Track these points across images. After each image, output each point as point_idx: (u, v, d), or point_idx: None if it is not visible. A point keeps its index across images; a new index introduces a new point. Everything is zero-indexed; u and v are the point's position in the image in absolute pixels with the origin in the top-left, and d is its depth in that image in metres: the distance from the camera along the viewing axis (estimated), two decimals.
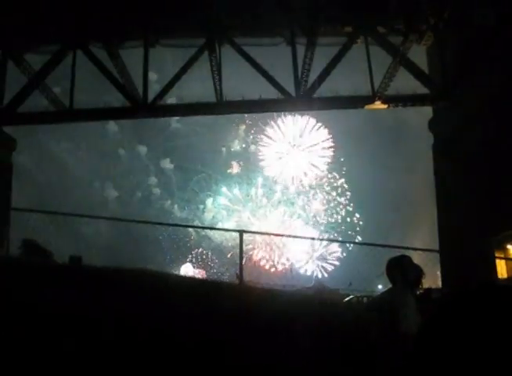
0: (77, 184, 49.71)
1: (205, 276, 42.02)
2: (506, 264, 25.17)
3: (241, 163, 54.66)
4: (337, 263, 50.71)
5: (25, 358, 5.40)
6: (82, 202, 42.20)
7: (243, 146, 55.55)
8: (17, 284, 6.49)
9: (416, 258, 6.05)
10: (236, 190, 53.36)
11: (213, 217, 53.19)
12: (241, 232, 6.96)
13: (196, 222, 52.38)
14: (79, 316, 5.97)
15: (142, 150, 56.54)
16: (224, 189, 53.33)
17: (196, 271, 48.14)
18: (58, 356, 5.46)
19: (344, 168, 54.66)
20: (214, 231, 51.90)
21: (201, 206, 54.37)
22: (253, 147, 54.42)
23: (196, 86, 34.00)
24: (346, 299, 17.32)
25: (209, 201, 54.06)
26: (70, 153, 51.59)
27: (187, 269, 48.67)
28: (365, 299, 16.06)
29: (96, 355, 5.60)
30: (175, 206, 55.34)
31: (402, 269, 4.68)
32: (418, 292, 4.81)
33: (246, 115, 48.36)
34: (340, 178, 54.77)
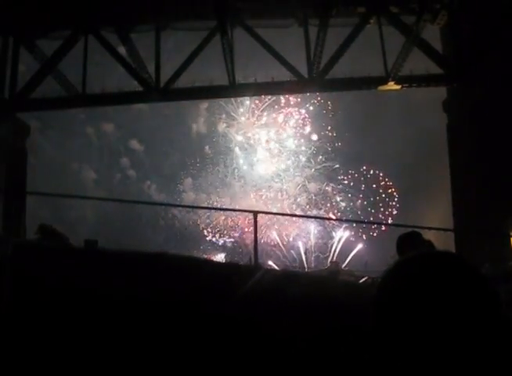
0: (52, 165, 47.60)
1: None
2: None
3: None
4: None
5: (42, 342, 5.49)
6: (61, 185, 40.80)
7: (213, 128, 53.46)
8: (37, 268, 6.59)
9: (432, 237, 6.07)
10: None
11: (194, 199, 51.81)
12: (255, 212, 6.95)
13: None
14: (99, 297, 6.06)
15: (109, 128, 53.56)
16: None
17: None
18: (73, 339, 5.55)
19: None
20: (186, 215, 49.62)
21: (180, 187, 53.03)
22: (220, 128, 52.42)
23: (209, 70, 33.79)
24: (361, 281, 17.45)
25: (187, 182, 52.58)
26: (40, 132, 49.22)
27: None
28: (379, 280, 16.13)
29: (113, 339, 5.67)
30: (152, 188, 54.05)
31: (412, 246, 4.64)
32: None
33: None
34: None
